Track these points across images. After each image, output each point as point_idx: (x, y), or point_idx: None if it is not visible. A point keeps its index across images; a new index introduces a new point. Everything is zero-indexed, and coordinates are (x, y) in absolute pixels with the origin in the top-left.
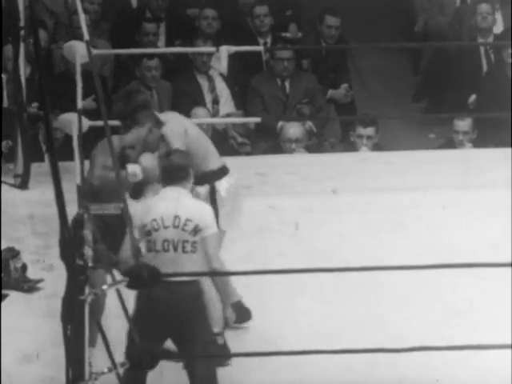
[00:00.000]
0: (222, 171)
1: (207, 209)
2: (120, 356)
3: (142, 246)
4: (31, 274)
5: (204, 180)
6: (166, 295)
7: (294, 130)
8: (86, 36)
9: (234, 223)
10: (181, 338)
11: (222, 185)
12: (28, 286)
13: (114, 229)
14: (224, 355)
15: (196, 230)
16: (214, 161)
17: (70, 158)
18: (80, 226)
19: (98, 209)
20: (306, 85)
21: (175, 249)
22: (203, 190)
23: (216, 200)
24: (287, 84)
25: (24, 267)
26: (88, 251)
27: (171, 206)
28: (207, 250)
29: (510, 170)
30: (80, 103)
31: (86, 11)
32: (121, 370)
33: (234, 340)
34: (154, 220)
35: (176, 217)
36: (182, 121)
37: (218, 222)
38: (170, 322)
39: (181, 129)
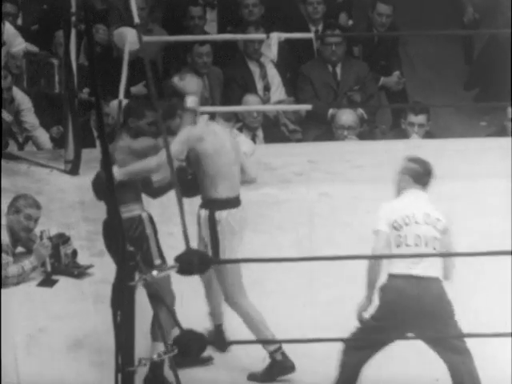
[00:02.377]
0: (231, 202)
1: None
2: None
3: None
4: (81, 259)
5: (206, 205)
6: (415, 291)
7: (346, 116)
8: (137, 20)
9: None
10: (427, 335)
11: (222, 215)
12: (78, 271)
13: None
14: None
15: (445, 230)
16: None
17: None
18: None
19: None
20: (357, 72)
21: (426, 245)
22: (203, 213)
23: (216, 228)
24: (338, 71)
25: (74, 253)
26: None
27: (421, 203)
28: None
29: None
30: (122, 90)
31: None
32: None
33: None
34: (407, 216)
35: (426, 214)
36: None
37: (217, 251)
38: (417, 318)
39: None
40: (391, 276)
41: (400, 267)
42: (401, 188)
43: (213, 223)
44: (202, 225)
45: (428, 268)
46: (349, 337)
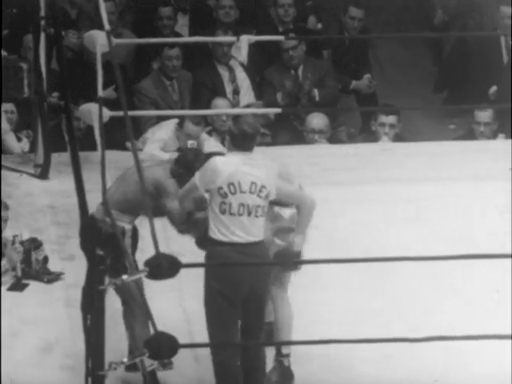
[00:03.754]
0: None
1: (279, 167)
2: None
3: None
4: (52, 263)
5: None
6: (240, 257)
7: (317, 120)
8: (107, 25)
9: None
10: (249, 293)
11: (287, 213)
12: (48, 278)
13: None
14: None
15: (267, 196)
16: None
17: (93, 147)
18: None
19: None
20: (318, 71)
21: (249, 213)
22: (287, 211)
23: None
24: (300, 73)
25: (46, 259)
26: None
27: (246, 171)
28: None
29: None
30: (101, 92)
31: (111, 0)
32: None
33: None
34: (232, 184)
35: (253, 183)
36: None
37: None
38: (245, 281)
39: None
40: (215, 242)
41: (223, 234)
42: (228, 150)
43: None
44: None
45: (250, 235)
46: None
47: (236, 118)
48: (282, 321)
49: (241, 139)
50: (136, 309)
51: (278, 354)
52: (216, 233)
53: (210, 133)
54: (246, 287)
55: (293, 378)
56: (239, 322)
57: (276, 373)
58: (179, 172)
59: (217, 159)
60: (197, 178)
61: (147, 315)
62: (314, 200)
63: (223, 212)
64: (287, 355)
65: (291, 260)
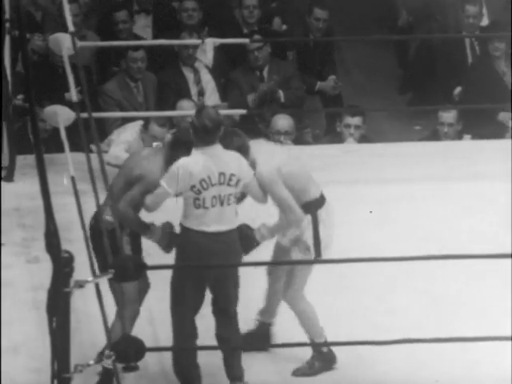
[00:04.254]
0: (321, 201)
1: (241, 158)
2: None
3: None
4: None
5: (305, 210)
6: (215, 246)
7: (282, 122)
8: (71, 28)
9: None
10: (216, 277)
11: (323, 212)
12: None
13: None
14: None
15: (237, 183)
16: (313, 191)
17: (58, 150)
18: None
19: None
20: (283, 72)
21: (222, 203)
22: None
23: (318, 229)
24: (265, 74)
25: None
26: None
27: (213, 163)
28: (253, 193)
29: (496, 162)
30: (74, 95)
31: (74, 2)
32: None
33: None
34: (203, 180)
35: (221, 174)
36: (275, 157)
37: (320, 251)
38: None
39: (273, 171)
40: (187, 229)
41: (196, 224)
42: (194, 146)
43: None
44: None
45: (222, 224)
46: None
47: (198, 113)
48: (300, 320)
49: (203, 133)
50: (127, 311)
51: (313, 345)
52: (188, 222)
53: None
54: (214, 272)
55: (335, 359)
56: (200, 307)
57: (317, 359)
58: (177, 155)
59: (182, 162)
60: (166, 184)
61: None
62: (302, 218)
63: (197, 207)
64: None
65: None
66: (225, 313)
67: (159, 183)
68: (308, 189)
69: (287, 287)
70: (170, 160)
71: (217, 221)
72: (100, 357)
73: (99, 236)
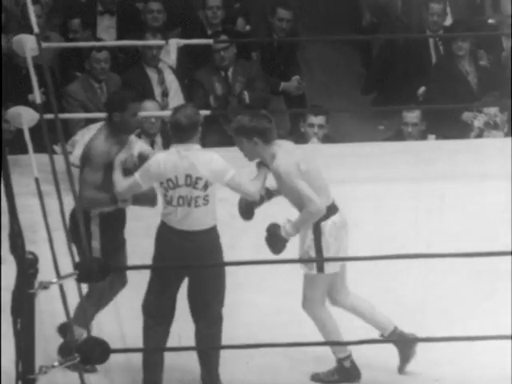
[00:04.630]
0: (330, 210)
1: (215, 159)
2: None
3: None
4: None
5: None
6: (186, 244)
7: None
8: (36, 29)
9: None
10: (195, 273)
11: (328, 224)
12: None
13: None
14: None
15: (206, 186)
16: (325, 198)
17: (22, 151)
18: (88, 222)
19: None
20: (248, 73)
21: (189, 204)
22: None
23: (320, 239)
24: (230, 74)
25: None
26: (96, 244)
27: (183, 165)
28: (239, 192)
29: (460, 163)
30: (38, 96)
31: (37, 3)
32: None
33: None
34: (169, 180)
35: (188, 176)
36: (295, 153)
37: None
38: (191, 258)
39: (292, 164)
40: (163, 224)
41: (170, 220)
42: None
43: (318, 234)
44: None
45: (194, 224)
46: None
47: (175, 109)
48: (319, 331)
49: (175, 130)
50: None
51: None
52: (163, 215)
53: (138, 135)
54: (186, 270)
55: (359, 376)
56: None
57: (338, 372)
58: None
59: (156, 157)
60: (139, 176)
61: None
62: (321, 210)
63: (167, 203)
64: (345, 358)
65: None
66: (203, 315)
67: (104, 157)
68: (321, 193)
69: (303, 298)
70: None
71: (184, 220)
72: (61, 352)
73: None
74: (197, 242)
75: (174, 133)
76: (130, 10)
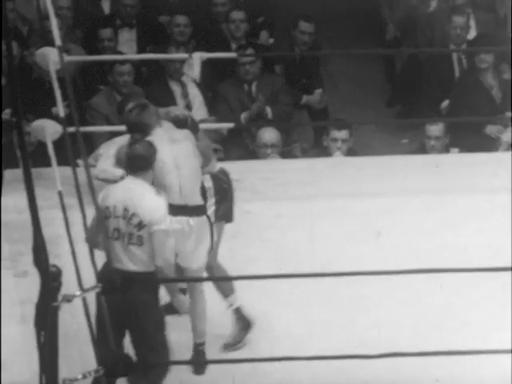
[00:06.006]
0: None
1: (158, 205)
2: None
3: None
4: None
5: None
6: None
7: (269, 135)
8: (58, 42)
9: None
10: (133, 326)
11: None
12: None
13: None
14: (203, 362)
15: (141, 226)
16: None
17: (45, 164)
18: None
19: None
20: (271, 87)
21: (123, 239)
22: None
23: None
24: (254, 88)
25: None
26: None
27: (124, 196)
28: (153, 246)
29: (483, 176)
30: (61, 109)
31: (58, 16)
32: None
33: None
34: (107, 208)
35: (125, 209)
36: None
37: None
38: (125, 314)
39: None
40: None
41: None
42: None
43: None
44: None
45: (127, 262)
46: None
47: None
48: (197, 312)
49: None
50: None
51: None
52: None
53: None
54: (122, 314)
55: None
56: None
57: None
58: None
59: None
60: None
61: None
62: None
63: (106, 236)
64: (203, 344)
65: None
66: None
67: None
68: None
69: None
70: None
71: (120, 257)
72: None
73: None
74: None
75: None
76: (151, 23)
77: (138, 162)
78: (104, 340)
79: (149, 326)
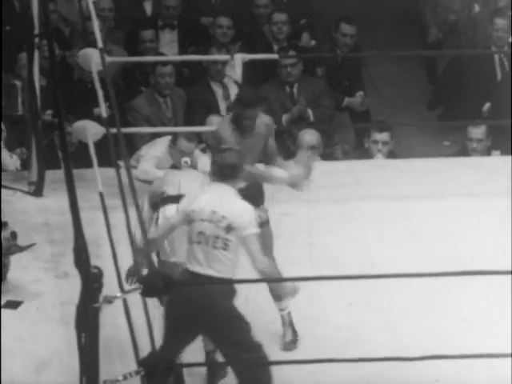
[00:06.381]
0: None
1: (248, 210)
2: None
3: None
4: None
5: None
6: (197, 293)
7: (310, 136)
8: (100, 43)
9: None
10: (217, 337)
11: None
12: (21, 249)
13: None
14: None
15: (229, 228)
16: None
17: (86, 165)
18: None
19: None
20: (312, 90)
21: (207, 243)
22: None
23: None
24: (295, 91)
25: (14, 234)
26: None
27: (212, 200)
28: (248, 250)
29: None
30: (104, 110)
31: (99, 18)
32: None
33: None
34: (194, 211)
35: (213, 212)
36: None
37: None
38: (202, 319)
39: None
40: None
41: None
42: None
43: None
44: None
45: (207, 267)
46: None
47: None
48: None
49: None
50: None
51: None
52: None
53: (203, 150)
54: (198, 321)
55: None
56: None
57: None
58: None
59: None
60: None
61: None
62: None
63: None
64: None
65: None
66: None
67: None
68: None
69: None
70: None
71: (202, 261)
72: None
73: None
74: (210, 291)
75: (216, 171)
76: (192, 25)
77: (228, 171)
78: (171, 343)
79: (238, 330)
